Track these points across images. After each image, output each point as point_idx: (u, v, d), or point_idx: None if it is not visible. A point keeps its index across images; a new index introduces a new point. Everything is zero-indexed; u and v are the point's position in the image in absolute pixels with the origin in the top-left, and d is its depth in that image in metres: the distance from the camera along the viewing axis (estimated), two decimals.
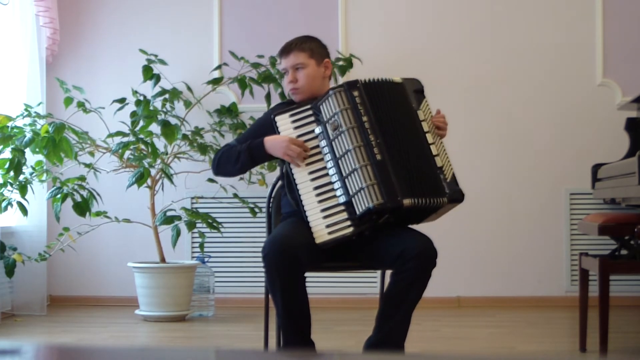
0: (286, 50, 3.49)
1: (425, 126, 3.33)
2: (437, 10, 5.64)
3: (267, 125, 3.41)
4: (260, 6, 5.72)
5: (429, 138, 3.32)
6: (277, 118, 3.36)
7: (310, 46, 3.49)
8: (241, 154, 3.39)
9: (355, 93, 3.30)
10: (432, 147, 3.31)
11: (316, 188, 3.26)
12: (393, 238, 3.23)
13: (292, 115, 3.35)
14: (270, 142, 3.33)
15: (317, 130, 3.31)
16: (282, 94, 5.30)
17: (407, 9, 5.66)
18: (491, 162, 5.57)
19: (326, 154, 3.27)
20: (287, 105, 3.50)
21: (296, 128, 3.33)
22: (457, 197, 3.30)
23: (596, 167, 4.89)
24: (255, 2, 5.73)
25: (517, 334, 4.60)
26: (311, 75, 3.46)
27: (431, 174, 3.28)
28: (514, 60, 5.59)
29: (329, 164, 3.26)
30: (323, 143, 3.29)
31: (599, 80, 5.55)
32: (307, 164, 3.29)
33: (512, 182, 5.57)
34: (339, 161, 3.24)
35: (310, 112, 3.34)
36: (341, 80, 5.32)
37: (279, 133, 3.34)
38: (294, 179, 3.29)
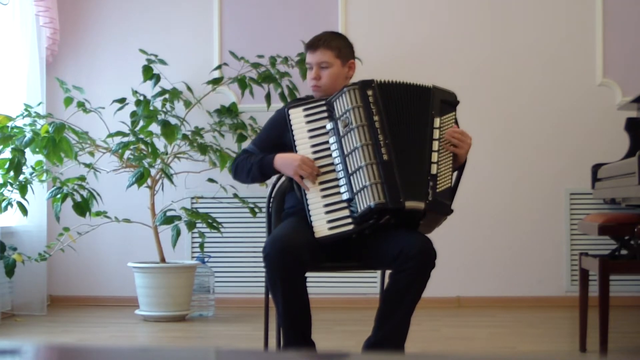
0: (314, 45, 3.44)
1: (436, 133, 3.30)
2: (436, 10, 5.64)
3: (280, 122, 3.40)
4: (260, 6, 5.72)
5: (434, 145, 3.28)
6: (291, 111, 3.34)
7: (337, 45, 3.44)
8: (253, 167, 3.37)
9: (369, 92, 3.28)
10: (433, 154, 3.26)
11: (321, 183, 3.26)
12: (392, 238, 3.22)
13: (305, 110, 3.33)
14: (281, 161, 3.31)
15: (329, 126, 3.29)
16: (282, 94, 5.30)
17: (407, 9, 5.65)
18: (491, 161, 5.57)
19: (334, 150, 3.27)
20: (303, 100, 3.49)
21: (308, 122, 3.32)
22: (437, 207, 3.21)
23: (596, 167, 4.89)
24: (255, 2, 5.73)
25: (517, 334, 4.60)
26: (334, 75, 3.42)
27: (416, 178, 3.23)
28: (513, 60, 5.59)
29: (336, 160, 3.26)
30: (333, 139, 3.28)
31: (599, 80, 5.54)
32: (315, 159, 3.29)
33: (512, 182, 5.57)
34: (346, 158, 3.23)
35: (324, 107, 3.33)
36: None
37: (291, 126, 3.32)
38: None
